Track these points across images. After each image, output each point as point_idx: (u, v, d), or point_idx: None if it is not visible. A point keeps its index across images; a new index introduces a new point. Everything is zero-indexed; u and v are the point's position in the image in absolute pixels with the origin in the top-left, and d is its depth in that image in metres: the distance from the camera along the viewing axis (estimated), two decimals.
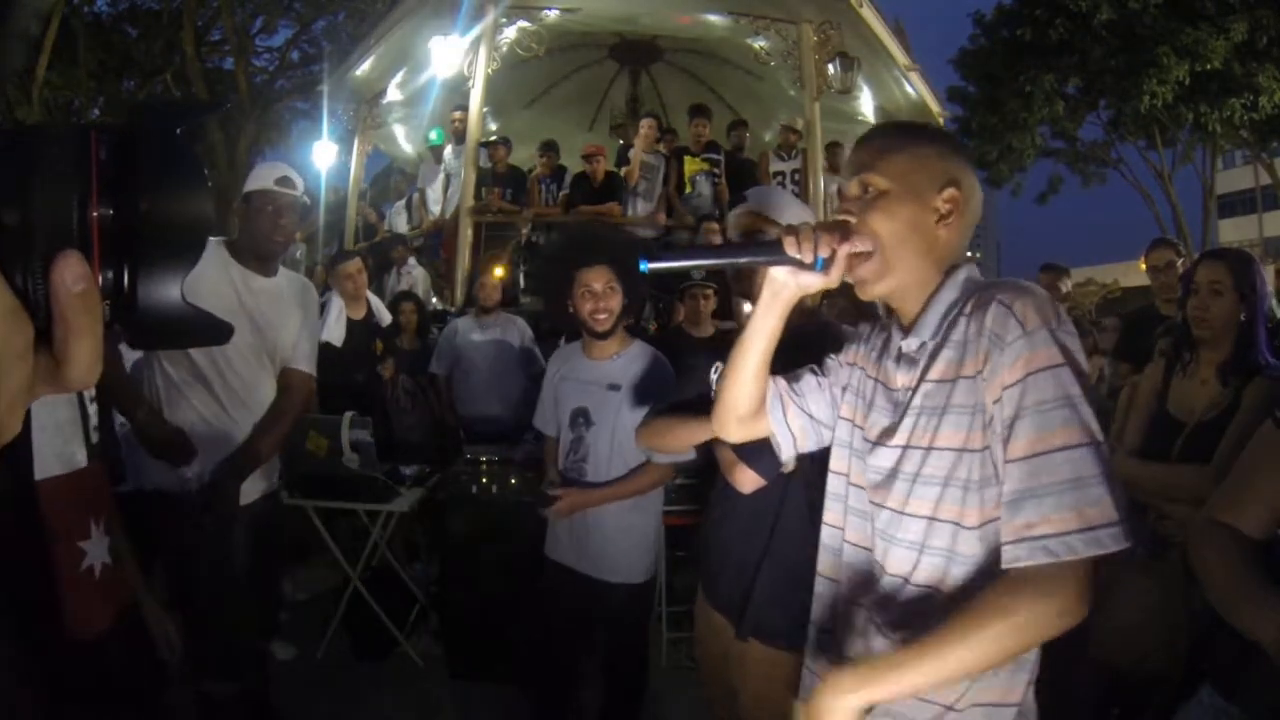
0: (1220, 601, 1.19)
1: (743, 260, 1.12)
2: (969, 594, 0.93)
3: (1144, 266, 3.42)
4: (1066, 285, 4.18)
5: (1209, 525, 1.25)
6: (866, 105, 7.63)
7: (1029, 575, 0.87)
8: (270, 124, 16.11)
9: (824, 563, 1.17)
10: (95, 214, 0.35)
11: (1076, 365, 0.89)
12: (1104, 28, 13.22)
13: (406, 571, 3.58)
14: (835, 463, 1.17)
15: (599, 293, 2.14)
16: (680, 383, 1.99)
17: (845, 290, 1.13)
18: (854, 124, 7.29)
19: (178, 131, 0.37)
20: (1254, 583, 1.15)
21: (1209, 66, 12.47)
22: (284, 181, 2.18)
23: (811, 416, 1.20)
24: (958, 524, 0.96)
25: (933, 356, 1.01)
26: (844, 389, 1.18)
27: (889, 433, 1.05)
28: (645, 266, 0.97)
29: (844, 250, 0.99)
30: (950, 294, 1.02)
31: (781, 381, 1.23)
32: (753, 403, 1.20)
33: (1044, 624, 0.87)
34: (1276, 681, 1.13)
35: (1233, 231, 27.43)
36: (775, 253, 0.99)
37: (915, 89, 7.75)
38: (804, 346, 1.29)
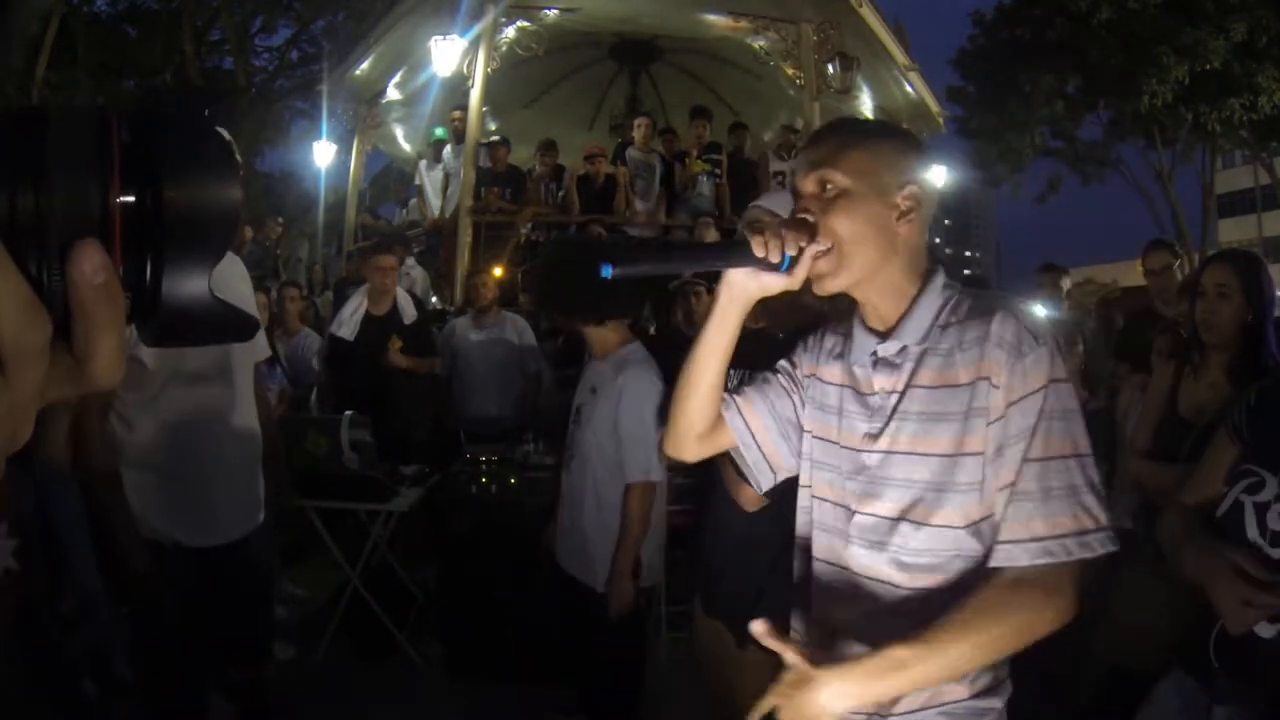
0: (1169, 553, 1.32)
1: (709, 261, 1.06)
2: (956, 594, 0.93)
3: (1141, 269, 3.41)
4: (1066, 284, 4.20)
5: (1172, 502, 1.45)
6: (866, 105, 7.63)
7: (1029, 576, 0.90)
8: (270, 124, 16.09)
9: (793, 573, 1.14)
10: (117, 200, 0.32)
11: (1073, 381, 0.95)
12: (1103, 27, 13.23)
13: (406, 572, 3.57)
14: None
15: None
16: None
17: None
18: None
19: (206, 113, 0.34)
20: (1194, 532, 1.29)
21: (1209, 66, 12.50)
22: None
23: (781, 430, 1.13)
24: (947, 526, 0.96)
25: (919, 361, 0.99)
26: (803, 401, 1.13)
27: (871, 438, 1.01)
28: (608, 272, 0.92)
29: (811, 250, 0.95)
30: (934, 299, 1.01)
31: (740, 396, 1.14)
32: (711, 417, 1.12)
33: (1042, 623, 0.91)
34: (1245, 662, 1.19)
35: (1232, 231, 27.41)
36: (742, 254, 0.96)
37: (914, 89, 7.76)
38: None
